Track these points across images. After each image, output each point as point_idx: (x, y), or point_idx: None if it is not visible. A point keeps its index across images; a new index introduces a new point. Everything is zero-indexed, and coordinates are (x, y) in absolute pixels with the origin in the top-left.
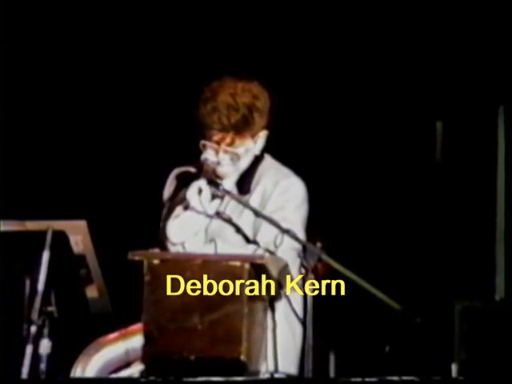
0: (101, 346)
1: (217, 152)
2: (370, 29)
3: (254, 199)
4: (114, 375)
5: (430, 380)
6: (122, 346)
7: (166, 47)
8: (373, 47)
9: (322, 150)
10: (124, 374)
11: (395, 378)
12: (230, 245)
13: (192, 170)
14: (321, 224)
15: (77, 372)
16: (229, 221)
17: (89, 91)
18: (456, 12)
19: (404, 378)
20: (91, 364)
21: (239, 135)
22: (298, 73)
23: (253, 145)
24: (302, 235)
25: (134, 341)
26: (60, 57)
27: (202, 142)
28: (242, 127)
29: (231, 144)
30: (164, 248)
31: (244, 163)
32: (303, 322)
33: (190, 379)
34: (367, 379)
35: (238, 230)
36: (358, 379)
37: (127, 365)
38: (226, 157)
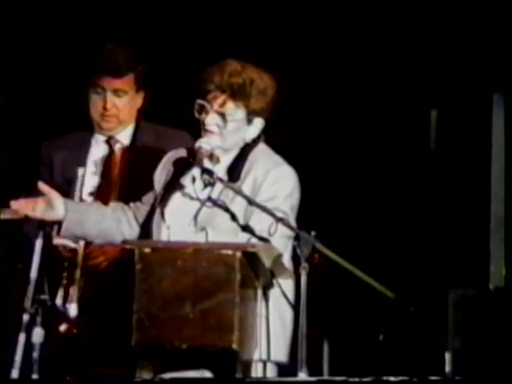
0: None
1: (207, 113)
2: (365, 19)
3: (244, 187)
4: None
5: (426, 380)
6: None
7: (185, 33)
8: (367, 37)
9: (316, 138)
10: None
11: (392, 379)
12: (221, 233)
13: (185, 155)
14: (315, 213)
15: None
16: (223, 206)
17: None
18: (450, 0)
19: (401, 378)
20: None
21: (232, 100)
22: (293, 60)
23: (245, 124)
24: (293, 224)
25: None
26: (52, 32)
27: (197, 100)
28: (237, 92)
29: (223, 105)
30: (147, 234)
31: (231, 140)
32: (296, 311)
33: (185, 378)
34: (364, 379)
35: (231, 217)
36: (356, 379)
37: None
38: (215, 118)
